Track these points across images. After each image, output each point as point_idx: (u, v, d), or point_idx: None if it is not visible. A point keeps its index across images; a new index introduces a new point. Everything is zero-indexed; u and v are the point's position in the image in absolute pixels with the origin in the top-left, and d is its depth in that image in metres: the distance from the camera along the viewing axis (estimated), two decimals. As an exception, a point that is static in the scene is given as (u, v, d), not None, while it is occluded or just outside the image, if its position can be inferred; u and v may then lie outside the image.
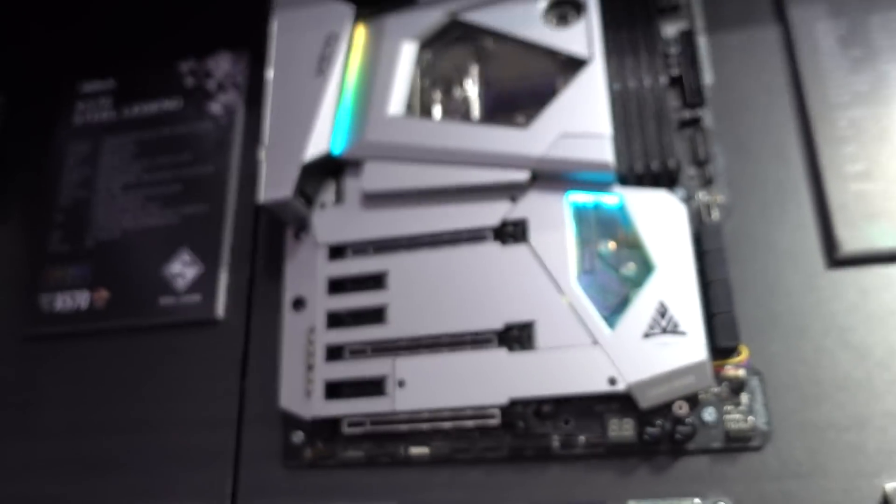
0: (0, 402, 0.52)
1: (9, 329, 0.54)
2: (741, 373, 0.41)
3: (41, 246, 0.55)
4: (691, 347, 0.40)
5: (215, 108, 0.56)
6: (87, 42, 0.63)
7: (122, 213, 0.54)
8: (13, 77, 0.63)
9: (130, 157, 0.56)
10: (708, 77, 0.48)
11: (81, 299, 0.53)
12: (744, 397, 0.41)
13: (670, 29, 0.49)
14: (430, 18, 0.50)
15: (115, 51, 0.62)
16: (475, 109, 0.48)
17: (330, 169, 0.48)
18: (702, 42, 0.48)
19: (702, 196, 0.45)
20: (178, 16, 0.61)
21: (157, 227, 0.53)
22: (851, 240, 0.42)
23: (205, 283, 0.51)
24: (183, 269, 0.51)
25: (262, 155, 0.47)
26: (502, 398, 0.42)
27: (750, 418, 0.40)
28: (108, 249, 0.54)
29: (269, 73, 0.50)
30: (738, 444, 0.40)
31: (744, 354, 0.41)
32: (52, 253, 0.55)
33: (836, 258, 0.42)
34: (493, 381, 0.42)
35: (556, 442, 0.42)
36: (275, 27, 0.51)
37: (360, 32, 0.50)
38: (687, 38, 0.48)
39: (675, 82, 0.47)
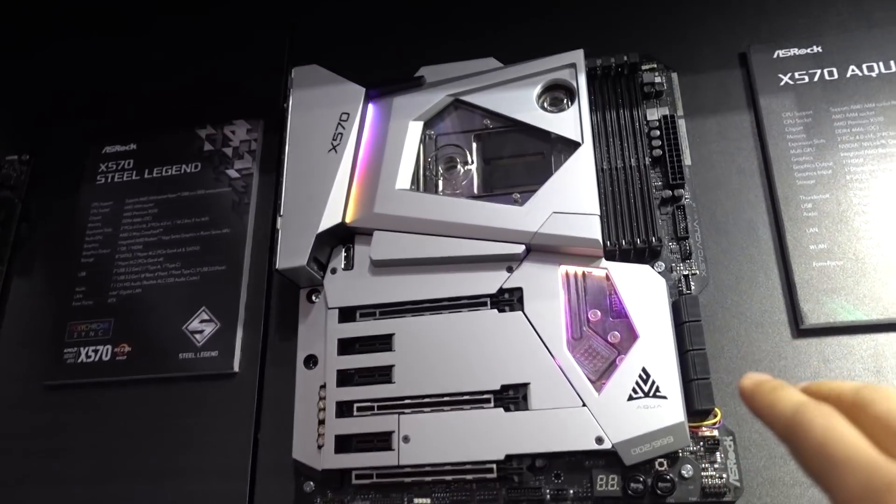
0: (25, 450, 0.55)
1: (34, 379, 0.57)
2: (716, 433, 0.45)
3: (65, 301, 0.58)
4: (671, 410, 0.44)
5: (232, 172, 0.60)
6: (110, 107, 0.67)
7: (143, 271, 0.58)
8: (38, 137, 0.67)
9: (151, 217, 0.60)
10: (687, 158, 0.52)
11: (104, 352, 0.56)
12: (718, 455, 0.45)
13: (653, 113, 0.53)
14: (434, 100, 0.54)
15: (136, 117, 0.66)
16: (475, 184, 0.53)
17: (341, 237, 0.52)
18: (682, 125, 0.53)
19: (681, 269, 0.49)
20: (198, 86, 0.66)
21: (177, 284, 0.57)
22: (814, 313, 0.46)
23: (222, 340, 0.54)
24: (201, 326, 0.55)
25: (279, 224, 0.51)
26: (499, 454, 0.45)
27: (724, 475, 0.44)
28: (129, 305, 0.57)
29: (286, 148, 0.54)
30: (713, 498, 0.44)
31: (718, 416, 0.45)
32: (76, 308, 0.58)
33: (801, 329, 0.47)
34: (490, 438, 0.46)
35: (547, 495, 0.45)
36: (291, 104, 0.55)
37: (371, 111, 0.55)
38: (668, 122, 0.52)
39: (658, 162, 0.52)
